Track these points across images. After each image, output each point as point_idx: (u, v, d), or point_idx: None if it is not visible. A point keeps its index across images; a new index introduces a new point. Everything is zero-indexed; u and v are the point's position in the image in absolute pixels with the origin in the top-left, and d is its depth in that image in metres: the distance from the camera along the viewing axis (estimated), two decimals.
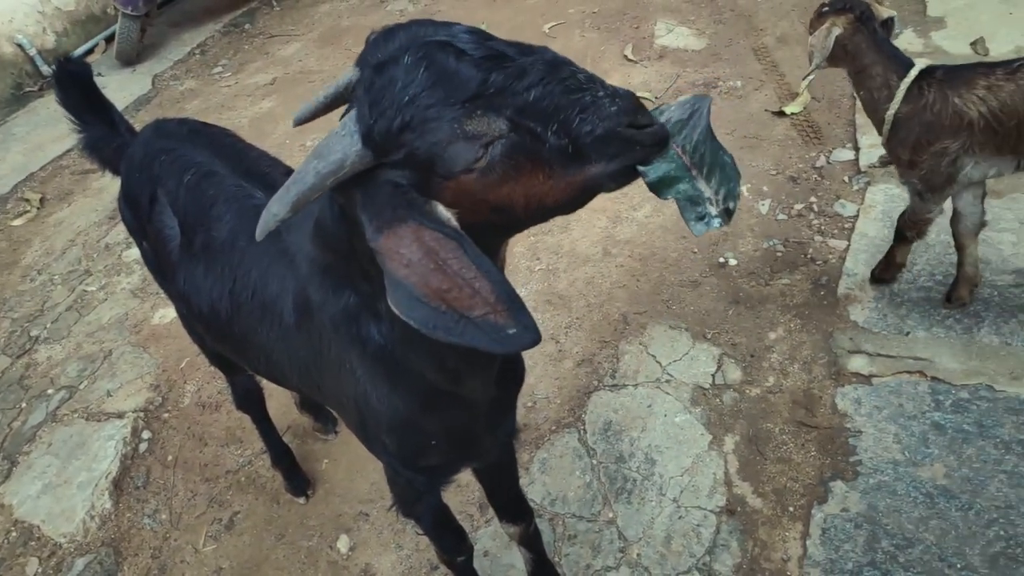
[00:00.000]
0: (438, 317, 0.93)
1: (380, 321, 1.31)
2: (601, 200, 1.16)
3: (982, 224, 2.51)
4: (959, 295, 2.64)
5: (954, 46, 3.92)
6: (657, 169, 1.02)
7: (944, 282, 2.76)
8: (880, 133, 2.45)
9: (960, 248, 2.57)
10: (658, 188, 1.04)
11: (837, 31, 2.38)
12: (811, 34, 2.48)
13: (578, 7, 5.58)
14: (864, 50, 2.38)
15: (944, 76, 2.28)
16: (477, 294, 0.93)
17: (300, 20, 6.91)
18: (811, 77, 2.56)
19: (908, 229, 2.60)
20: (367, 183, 0.99)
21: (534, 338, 0.93)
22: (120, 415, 3.15)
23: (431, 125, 0.92)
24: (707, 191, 1.02)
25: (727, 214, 1.03)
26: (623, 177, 1.02)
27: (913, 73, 2.31)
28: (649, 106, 1.03)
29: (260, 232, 1.03)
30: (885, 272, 2.80)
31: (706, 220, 1.03)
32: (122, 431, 3.06)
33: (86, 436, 3.08)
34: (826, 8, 2.45)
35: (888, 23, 2.45)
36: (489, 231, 1.06)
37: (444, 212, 0.97)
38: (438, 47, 0.94)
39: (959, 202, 2.49)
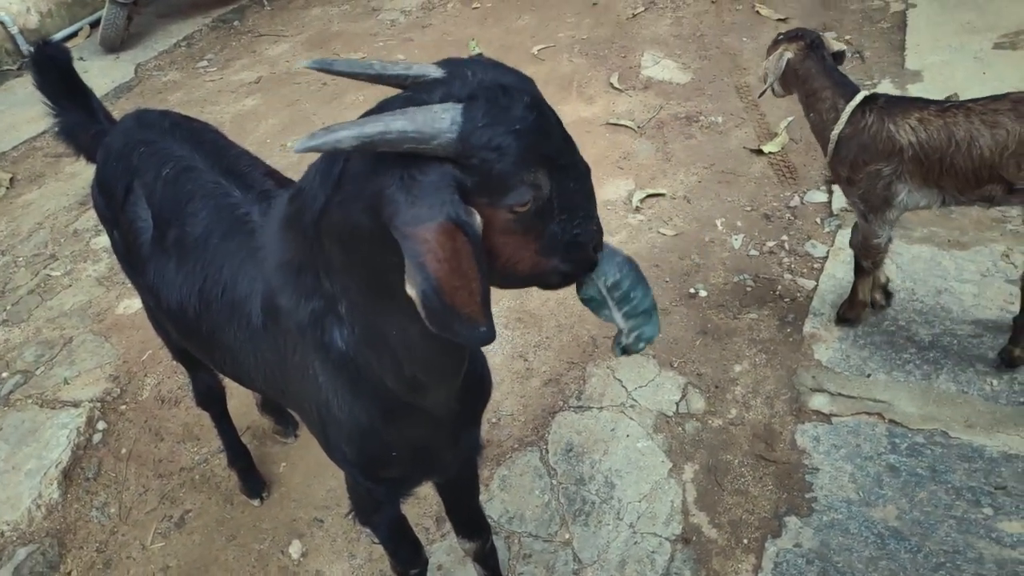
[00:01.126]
0: (442, 310, 1.00)
1: (343, 325, 1.31)
2: None
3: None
4: (874, 301, 2.84)
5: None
6: (587, 290, 1.26)
7: (907, 328, 2.83)
8: (825, 153, 2.61)
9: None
10: (590, 305, 1.28)
11: (788, 55, 2.59)
12: (767, 58, 2.71)
13: (568, 32, 5.64)
14: (814, 75, 2.57)
15: (884, 104, 2.45)
16: (472, 294, 1.02)
17: (290, 21, 6.90)
18: (765, 93, 2.75)
19: (863, 257, 2.70)
20: (420, 167, 1.00)
21: (493, 335, 1.07)
22: (76, 404, 3.09)
23: (516, 158, 1.01)
24: (622, 324, 1.24)
25: (630, 349, 1.25)
26: (566, 280, 1.22)
27: (858, 98, 2.47)
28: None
29: (303, 147, 0.98)
30: (849, 311, 2.87)
31: (620, 346, 1.27)
32: (76, 420, 2.99)
33: (39, 423, 3.01)
34: (781, 36, 2.69)
35: (839, 55, 2.66)
36: None
37: (479, 220, 1.04)
38: (546, 107, 1.08)
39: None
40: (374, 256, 1.11)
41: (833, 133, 2.52)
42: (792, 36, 2.64)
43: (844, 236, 3.31)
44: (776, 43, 2.69)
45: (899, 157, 2.38)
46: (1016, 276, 2.92)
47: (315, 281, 1.29)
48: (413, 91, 1.07)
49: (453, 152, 0.99)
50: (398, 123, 0.97)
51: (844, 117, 2.48)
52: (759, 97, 2.93)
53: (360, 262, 1.16)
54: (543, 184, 1.06)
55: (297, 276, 1.32)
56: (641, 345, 1.24)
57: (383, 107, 1.07)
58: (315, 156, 1.15)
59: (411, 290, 1.01)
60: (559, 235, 1.12)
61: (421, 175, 1.00)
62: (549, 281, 1.21)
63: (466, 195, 1.01)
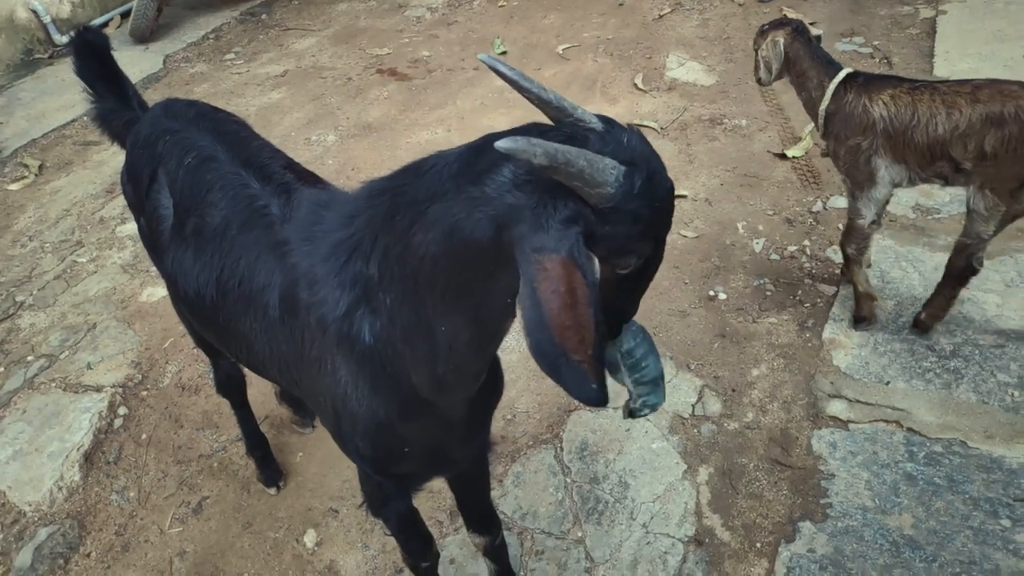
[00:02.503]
0: (549, 345, 1.02)
1: (376, 318, 1.32)
2: None
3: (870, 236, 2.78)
4: (859, 315, 2.89)
5: None
6: (609, 355, 1.29)
7: (928, 336, 2.80)
8: (817, 128, 2.76)
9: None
10: (607, 368, 1.30)
11: (781, 42, 2.78)
12: (757, 50, 2.88)
13: (593, 32, 5.64)
14: (802, 56, 2.75)
15: (864, 81, 2.60)
16: (584, 342, 1.03)
17: (317, 16, 6.95)
18: (766, 83, 2.93)
19: (847, 243, 2.80)
20: (566, 203, 1.04)
21: (604, 399, 1.06)
22: (98, 389, 3.13)
23: (644, 229, 1.09)
24: (631, 391, 1.27)
25: (636, 414, 1.27)
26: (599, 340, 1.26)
27: (841, 75, 2.64)
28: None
29: (506, 147, 0.98)
30: (859, 310, 2.90)
31: (626, 409, 1.29)
32: (98, 405, 3.04)
33: (62, 406, 3.06)
34: (766, 26, 2.86)
35: (817, 39, 2.84)
36: None
37: (597, 265, 1.07)
38: (672, 192, 1.14)
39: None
40: (475, 261, 1.12)
41: (820, 109, 2.67)
42: (777, 24, 2.83)
43: None
44: (763, 33, 2.85)
45: (873, 131, 2.52)
46: None
47: (361, 268, 1.30)
48: (571, 130, 1.10)
49: (604, 203, 1.04)
50: (582, 161, 1.00)
51: (829, 93, 2.63)
52: (756, 80, 3.01)
53: (452, 260, 1.14)
54: (646, 256, 1.14)
55: (347, 262, 1.33)
56: (646, 411, 1.28)
57: (531, 130, 1.10)
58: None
59: (520, 312, 1.04)
60: (619, 302, 1.20)
61: (563, 207, 1.03)
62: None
63: (589, 242, 1.05)
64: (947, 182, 2.52)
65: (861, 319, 2.89)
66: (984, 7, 4.83)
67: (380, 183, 1.30)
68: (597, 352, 1.04)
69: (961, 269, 2.61)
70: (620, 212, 1.04)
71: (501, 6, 6.39)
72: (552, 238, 1.02)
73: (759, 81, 2.92)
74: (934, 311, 2.75)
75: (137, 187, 1.94)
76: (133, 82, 2.35)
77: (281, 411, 2.91)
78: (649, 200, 1.06)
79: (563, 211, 1.03)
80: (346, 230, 1.34)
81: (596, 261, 1.07)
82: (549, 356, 1.02)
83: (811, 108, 2.78)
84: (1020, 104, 2.27)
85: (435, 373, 1.34)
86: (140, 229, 2.06)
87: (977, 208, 2.46)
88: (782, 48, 2.78)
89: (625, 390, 1.28)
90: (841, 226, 3.42)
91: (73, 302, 3.70)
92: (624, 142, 1.09)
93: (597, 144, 1.07)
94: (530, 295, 1.01)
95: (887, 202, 2.70)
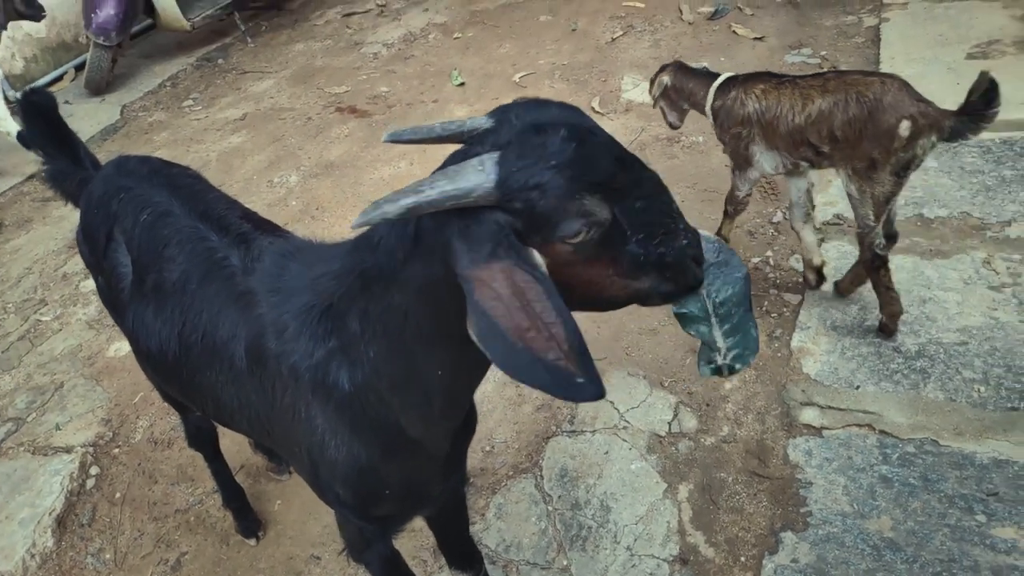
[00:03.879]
0: (514, 353, 0.99)
1: (356, 368, 1.34)
2: None
3: (808, 215, 3.04)
4: (807, 280, 3.15)
5: None
6: (685, 304, 1.17)
7: (893, 338, 2.85)
8: (713, 126, 3.12)
9: (797, 234, 3.09)
10: (682, 320, 1.19)
11: (666, 80, 3.21)
12: (656, 103, 3.37)
13: (548, 59, 5.72)
14: (686, 80, 3.17)
15: (742, 79, 2.94)
16: (553, 339, 1.00)
17: (273, 57, 6.97)
18: (678, 126, 3.42)
19: (728, 203, 3.22)
20: (474, 217, 1.05)
21: (598, 391, 1.00)
22: (68, 450, 3.08)
23: (559, 192, 1.02)
24: (720, 343, 1.15)
25: (729, 370, 1.16)
26: (669, 298, 1.18)
27: (721, 78, 3.01)
28: None
29: (359, 223, 1.06)
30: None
31: (712, 366, 1.17)
32: (69, 466, 2.98)
33: (31, 471, 3.00)
34: (652, 79, 3.34)
35: (703, 70, 3.23)
36: None
37: (538, 258, 1.05)
38: (590, 133, 1.08)
39: (792, 194, 3.03)
40: (447, 304, 1.13)
41: (707, 108, 3.03)
42: (663, 68, 3.28)
43: (826, 249, 3.34)
44: (652, 81, 3.33)
45: (749, 122, 2.84)
46: (997, 282, 2.95)
47: (337, 325, 1.34)
48: (468, 144, 1.13)
49: (495, 200, 1.03)
50: (439, 184, 1.02)
51: (711, 93, 3.00)
52: (669, 126, 3.47)
53: (431, 310, 1.19)
54: (597, 211, 1.05)
55: (318, 321, 1.37)
56: (739, 366, 1.16)
57: (445, 163, 1.14)
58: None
59: (470, 329, 1.02)
60: (642, 256, 1.10)
61: (476, 224, 1.04)
62: (651, 302, 1.19)
63: (521, 236, 1.04)
64: (813, 165, 2.80)
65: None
66: (925, 13, 4.97)
67: (346, 263, 1.33)
68: (574, 343, 1.00)
69: (869, 260, 2.76)
70: (517, 194, 1.02)
71: (456, 38, 6.46)
72: (473, 250, 1.03)
73: (671, 126, 3.40)
74: (886, 311, 2.83)
75: (94, 247, 1.92)
76: (91, 135, 2.35)
77: (256, 459, 2.87)
78: (540, 164, 1.02)
79: (477, 225, 1.04)
80: (315, 295, 1.38)
81: (534, 253, 1.05)
82: (519, 365, 0.99)
83: (704, 112, 3.12)
84: (859, 91, 2.54)
85: (429, 413, 1.38)
86: (99, 288, 2.05)
87: (850, 192, 2.68)
88: (669, 83, 3.20)
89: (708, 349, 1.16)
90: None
91: (39, 362, 3.64)
92: (511, 122, 1.10)
93: (492, 140, 1.09)
94: (473, 310, 1.01)
95: (760, 179, 3.08)
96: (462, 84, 5.62)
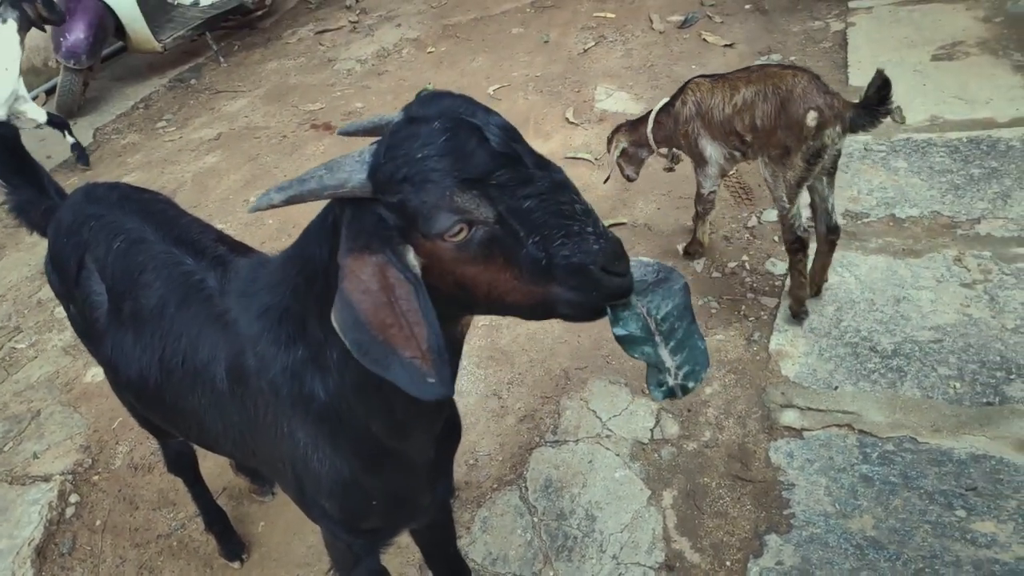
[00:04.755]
0: (372, 345, 1.01)
1: (327, 375, 1.33)
2: None
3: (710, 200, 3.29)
4: (688, 250, 3.49)
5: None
6: (625, 325, 1.09)
7: (869, 338, 2.88)
8: (653, 147, 3.32)
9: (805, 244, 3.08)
10: (625, 344, 1.11)
11: (623, 143, 3.38)
12: (616, 162, 3.45)
13: (521, 71, 5.75)
14: (636, 132, 3.33)
15: (681, 87, 3.10)
16: (413, 338, 1.01)
17: (247, 76, 6.95)
18: (612, 170, 3.49)
19: (697, 203, 3.33)
20: (358, 207, 1.07)
21: (446, 392, 1.03)
22: (46, 478, 3.03)
23: (427, 186, 1.00)
24: (669, 362, 1.08)
25: (682, 390, 1.10)
26: (579, 310, 1.10)
27: (661, 103, 3.19)
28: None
29: (251, 209, 1.10)
30: (689, 247, 3.49)
31: (664, 388, 1.11)
32: (48, 495, 2.94)
33: (9, 501, 2.95)
34: (610, 136, 3.44)
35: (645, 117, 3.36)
36: (450, 301, 1.13)
37: (412, 259, 1.05)
38: (467, 126, 1.02)
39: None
40: None
41: (647, 131, 3.23)
42: (616, 130, 3.42)
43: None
44: (608, 141, 3.45)
45: (692, 118, 3.01)
46: (969, 279, 3.00)
47: (299, 329, 1.33)
48: (384, 134, 1.13)
49: (370, 192, 1.04)
50: (318, 174, 1.04)
51: (651, 118, 3.21)
52: (604, 183, 3.70)
53: None
54: (473, 208, 1.00)
55: (279, 324, 1.36)
56: (692, 384, 1.09)
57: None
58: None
59: (332, 316, 1.03)
60: (543, 260, 1.03)
61: (359, 216, 1.06)
62: (560, 312, 1.10)
63: (403, 232, 1.05)
64: (744, 154, 2.95)
65: (687, 254, 3.50)
66: (890, 16, 5.06)
67: (290, 260, 1.36)
68: (433, 345, 1.01)
69: (791, 242, 2.89)
70: (389, 187, 1.03)
71: (430, 52, 6.48)
72: (350, 239, 1.05)
73: (628, 179, 3.56)
74: (792, 293, 3.00)
75: (64, 275, 1.90)
76: (63, 159, 2.34)
77: (238, 481, 2.85)
78: (406, 157, 1.01)
79: (360, 217, 1.06)
80: (271, 295, 1.39)
81: (409, 251, 1.05)
82: (374, 355, 1.01)
83: (660, 143, 3.29)
84: (775, 83, 2.68)
85: (394, 418, 1.35)
86: (71, 317, 2.02)
87: (766, 176, 2.85)
88: (625, 144, 3.38)
89: (650, 371, 1.11)
90: (777, 238, 3.52)
91: (15, 390, 3.59)
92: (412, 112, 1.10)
93: (400, 133, 1.07)
94: (338, 297, 1.02)
95: (724, 175, 3.21)
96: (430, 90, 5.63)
